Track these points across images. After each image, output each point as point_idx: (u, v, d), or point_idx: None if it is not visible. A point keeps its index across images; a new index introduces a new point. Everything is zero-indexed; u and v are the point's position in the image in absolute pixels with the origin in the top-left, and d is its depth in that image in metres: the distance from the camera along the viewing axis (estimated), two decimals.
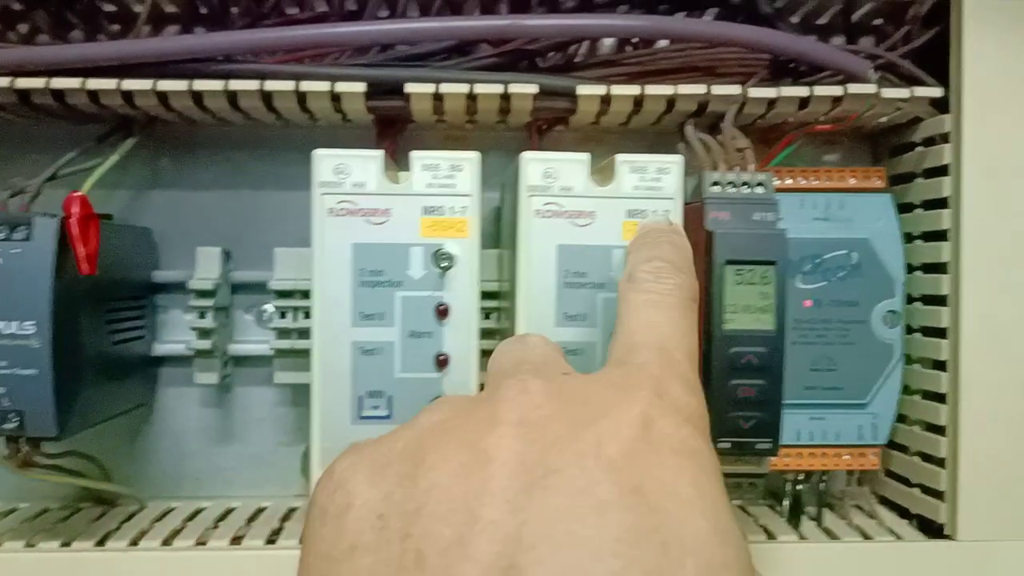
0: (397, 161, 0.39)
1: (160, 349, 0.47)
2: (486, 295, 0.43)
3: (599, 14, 0.43)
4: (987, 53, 0.41)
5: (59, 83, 0.39)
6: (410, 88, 0.40)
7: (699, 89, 0.40)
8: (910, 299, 0.44)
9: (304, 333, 0.44)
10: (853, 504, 0.46)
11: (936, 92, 0.41)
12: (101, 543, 0.41)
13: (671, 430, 0.22)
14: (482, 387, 0.31)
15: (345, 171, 0.34)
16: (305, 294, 0.43)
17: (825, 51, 0.41)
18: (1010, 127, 0.41)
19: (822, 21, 0.47)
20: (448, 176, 0.35)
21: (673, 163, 0.35)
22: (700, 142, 0.40)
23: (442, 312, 0.35)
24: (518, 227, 0.35)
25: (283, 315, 0.44)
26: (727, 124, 0.40)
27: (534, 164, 0.34)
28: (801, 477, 0.45)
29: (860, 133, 0.48)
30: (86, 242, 0.37)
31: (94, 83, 0.39)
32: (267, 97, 0.40)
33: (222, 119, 0.44)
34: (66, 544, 0.40)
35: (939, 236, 0.42)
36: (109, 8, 0.45)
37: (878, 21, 0.47)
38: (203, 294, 0.45)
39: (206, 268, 0.45)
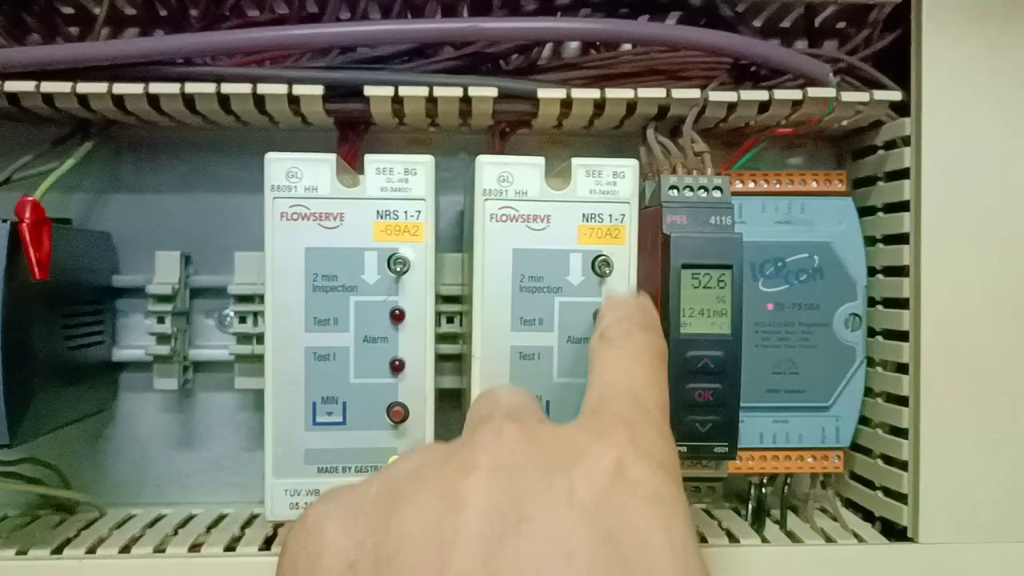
0: (359, 164, 0.39)
1: (120, 354, 0.46)
2: (451, 299, 0.43)
3: (560, 17, 0.43)
4: (945, 57, 0.41)
5: (13, 86, 0.38)
6: (369, 91, 0.39)
7: (659, 93, 0.40)
8: (872, 302, 0.44)
9: (264, 338, 0.43)
10: (817, 507, 0.46)
11: (895, 96, 0.41)
12: (58, 551, 0.40)
13: (645, 476, 0.22)
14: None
15: (297, 175, 0.34)
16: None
17: (785, 55, 0.41)
18: (968, 131, 0.41)
19: (785, 24, 0.47)
20: (402, 180, 0.34)
21: (628, 167, 0.35)
22: (660, 145, 0.40)
23: (397, 317, 0.35)
24: (474, 231, 0.35)
25: (243, 320, 0.44)
26: (687, 128, 0.40)
27: (489, 168, 0.34)
28: (765, 480, 0.45)
29: (823, 136, 0.49)
30: (38, 247, 0.36)
31: (48, 86, 0.38)
32: (224, 100, 0.39)
33: (181, 122, 0.43)
34: (22, 552, 0.40)
35: (900, 239, 0.42)
36: (67, 10, 0.44)
37: (840, 24, 0.47)
38: (162, 299, 0.44)
39: (165, 272, 0.45)
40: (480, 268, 0.34)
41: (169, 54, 0.39)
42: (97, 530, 0.43)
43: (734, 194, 0.42)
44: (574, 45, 0.47)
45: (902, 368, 0.42)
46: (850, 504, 0.47)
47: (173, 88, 0.39)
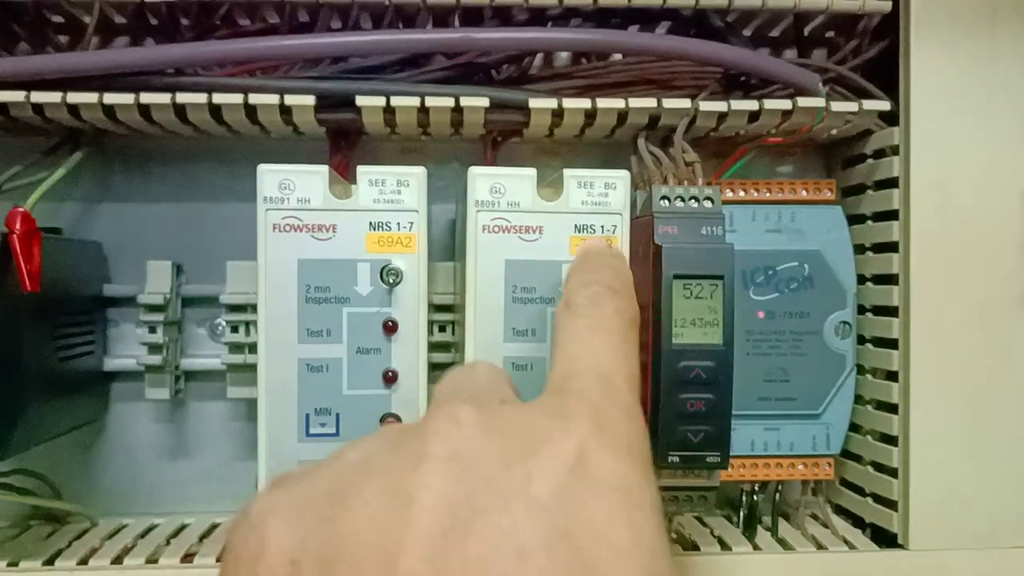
0: (351, 175, 0.39)
1: (111, 364, 0.46)
2: (443, 308, 0.43)
3: (551, 28, 0.43)
4: (934, 67, 0.41)
5: (3, 96, 0.38)
6: (361, 101, 0.39)
7: (650, 102, 0.40)
8: (862, 310, 0.45)
9: (256, 347, 0.43)
10: (808, 514, 0.46)
11: (884, 105, 0.41)
12: (50, 562, 0.40)
13: (609, 464, 0.21)
14: None
15: (290, 187, 0.34)
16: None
17: (775, 65, 0.41)
18: (957, 140, 0.41)
19: (774, 34, 0.47)
20: (395, 191, 0.34)
21: (619, 178, 0.35)
22: (651, 155, 0.41)
23: (390, 328, 0.35)
24: (466, 242, 0.35)
25: (235, 329, 0.44)
26: (677, 137, 0.40)
27: (481, 179, 0.34)
28: (757, 487, 0.46)
29: (812, 146, 0.49)
30: (29, 258, 0.36)
31: (38, 96, 0.38)
32: (216, 110, 0.39)
33: (172, 131, 0.43)
34: (13, 564, 0.40)
35: (889, 248, 0.43)
36: (57, 19, 0.44)
37: (830, 34, 0.47)
38: (154, 308, 0.44)
39: (157, 282, 0.45)
40: (472, 279, 0.35)
41: (160, 64, 0.39)
42: (89, 541, 0.43)
43: (724, 203, 0.42)
44: (565, 55, 0.47)
45: (892, 376, 0.43)
46: (840, 511, 0.47)
47: (164, 98, 0.38)
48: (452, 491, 0.20)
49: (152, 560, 0.41)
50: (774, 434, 0.44)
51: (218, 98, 0.39)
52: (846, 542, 0.43)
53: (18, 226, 0.36)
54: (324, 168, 0.34)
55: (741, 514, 0.46)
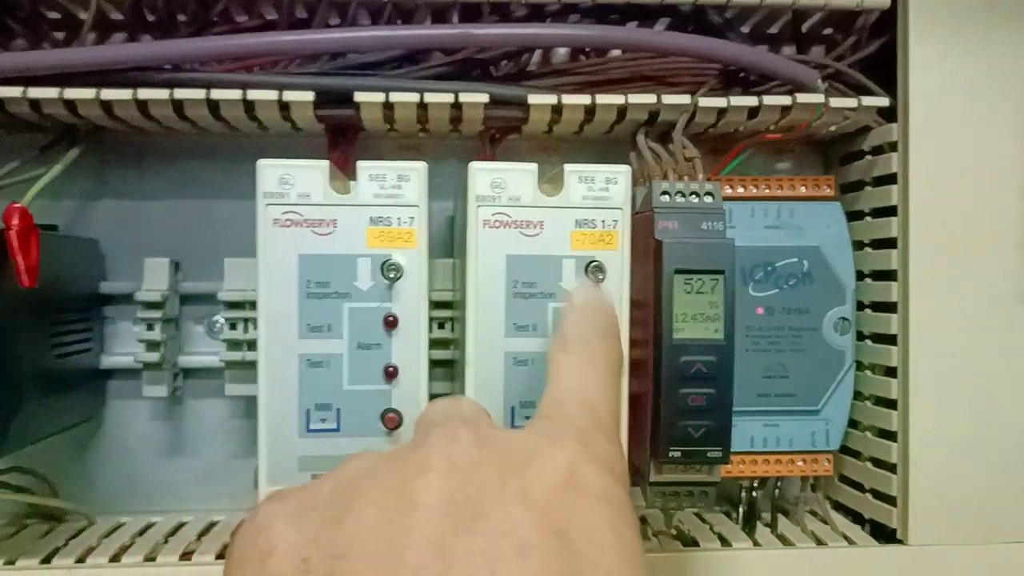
0: (350, 170, 0.39)
1: (108, 362, 0.46)
2: (441, 304, 0.43)
3: (550, 24, 0.43)
4: (932, 63, 0.41)
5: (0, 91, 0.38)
6: (360, 97, 0.39)
7: (649, 98, 0.40)
8: (860, 306, 0.45)
9: (255, 344, 0.42)
10: (807, 510, 0.46)
11: (883, 101, 0.41)
12: (47, 560, 0.40)
13: (595, 478, 0.23)
14: None
15: (290, 181, 0.34)
16: (256, 305, 0.42)
17: (774, 61, 0.41)
18: (956, 135, 0.41)
19: (772, 30, 0.47)
20: (395, 186, 0.34)
21: (621, 173, 0.35)
22: (651, 151, 0.41)
23: (390, 323, 0.34)
24: (467, 237, 0.35)
25: (233, 326, 0.44)
26: (677, 133, 0.40)
27: (482, 174, 0.34)
28: (756, 484, 0.46)
29: (811, 142, 0.49)
30: (26, 254, 0.36)
31: (35, 92, 0.38)
32: (214, 106, 0.39)
33: (169, 128, 0.43)
34: (10, 562, 0.39)
35: (888, 244, 0.43)
36: (53, 15, 0.44)
37: (828, 31, 0.48)
38: (151, 306, 0.44)
39: (154, 279, 0.45)
40: (473, 274, 0.34)
41: (158, 60, 0.39)
42: (86, 539, 0.43)
43: (723, 199, 0.42)
44: (563, 51, 0.47)
45: (891, 371, 0.43)
46: (839, 507, 0.47)
47: (162, 94, 0.38)
48: (454, 495, 0.22)
49: (150, 558, 0.40)
50: (773, 430, 0.44)
51: (217, 94, 0.38)
52: (845, 538, 0.43)
53: (15, 222, 0.36)
54: (324, 163, 0.34)
55: (740, 510, 0.46)
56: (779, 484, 0.46)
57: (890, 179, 0.42)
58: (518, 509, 0.21)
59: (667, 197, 0.36)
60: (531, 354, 0.34)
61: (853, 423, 0.45)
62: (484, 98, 0.40)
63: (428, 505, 0.21)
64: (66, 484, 0.46)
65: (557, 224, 0.35)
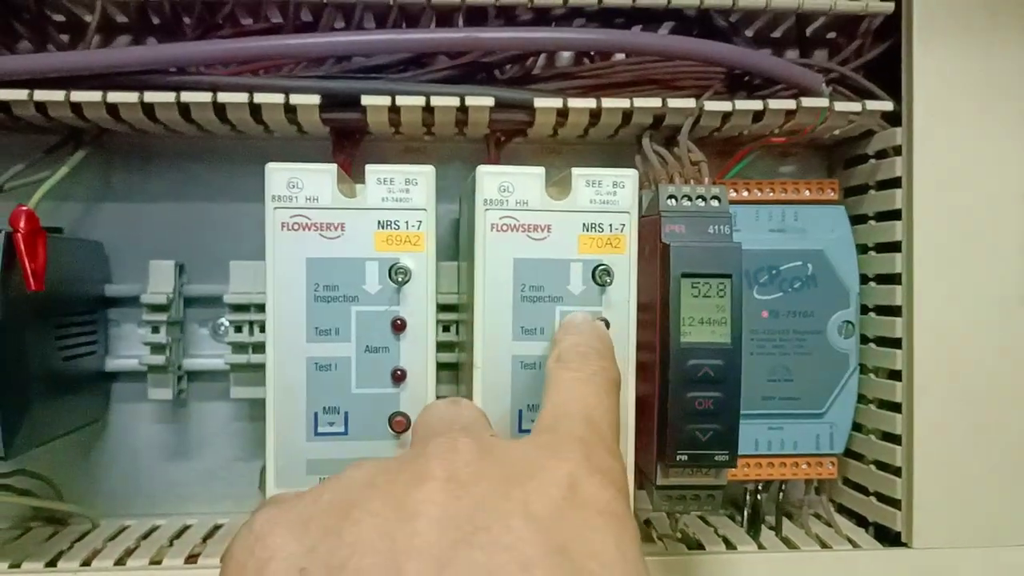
0: (355, 173, 0.39)
1: (113, 364, 0.46)
2: (446, 308, 0.43)
3: (555, 28, 0.43)
4: (937, 67, 0.41)
5: (5, 94, 0.38)
6: (366, 100, 0.39)
7: (655, 102, 0.40)
8: (864, 309, 0.45)
9: (260, 347, 0.43)
10: (811, 513, 0.46)
11: (887, 106, 0.41)
12: (52, 564, 0.40)
13: (597, 492, 0.23)
14: None
15: (298, 185, 0.34)
16: (261, 307, 0.43)
17: (779, 65, 0.41)
18: (960, 140, 0.41)
19: (776, 35, 0.48)
20: (403, 190, 0.34)
21: (628, 177, 0.35)
22: (656, 155, 0.41)
23: (398, 326, 0.34)
24: (474, 241, 0.35)
25: (239, 329, 0.44)
26: (683, 137, 0.40)
27: (490, 178, 0.34)
28: (760, 487, 0.46)
29: (814, 145, 0.49)
30: (33, 257, 0.36)
31: (41, 94, 0.38)
32: (220, 109, 0.39)
33: (175, 130, 0.43)
34: (15, 566, 0.39)
35: (892, 247, 0.43)
36: (58, 18, 0.44)
37: (831, 35, 0.48)
38: (156, 308, 0.44)
39: (159, 282, 0.45)
40: (481, 278, 0.34)
41: (164, 63, 0.39)
42: (91, 542, 0.43)
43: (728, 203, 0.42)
44: (567, 55, 0.48)
45: (895, 375, 0.43)
46: (843, 510, 0.47)
47: (168, 97, 0.38)
48: (455, 507, 0.21)
49: (156, 561, 0.40)
50: (778, 433, 0.44)
51: (223, 97, 0.38)
52: (850, 541, 0.43)
53: (23, 225, 0.36)
54: (333, 167, 0.34)
55: (745, 513, 0.46)
56: (783, 487, 0.46)
57: (894, 183, 0.43)
58: (520, 523, 0.21)
59: (674, 201, 0.36)
60: (538, 357, 0.34)
61: (857, 426, 0.45)
62: (490, 101, 0.40)
63: (428, 517, 0.21)
64: (70, 487, 0.46)
65: (564, 228, 0.35)
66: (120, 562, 0.40)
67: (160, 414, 0.47)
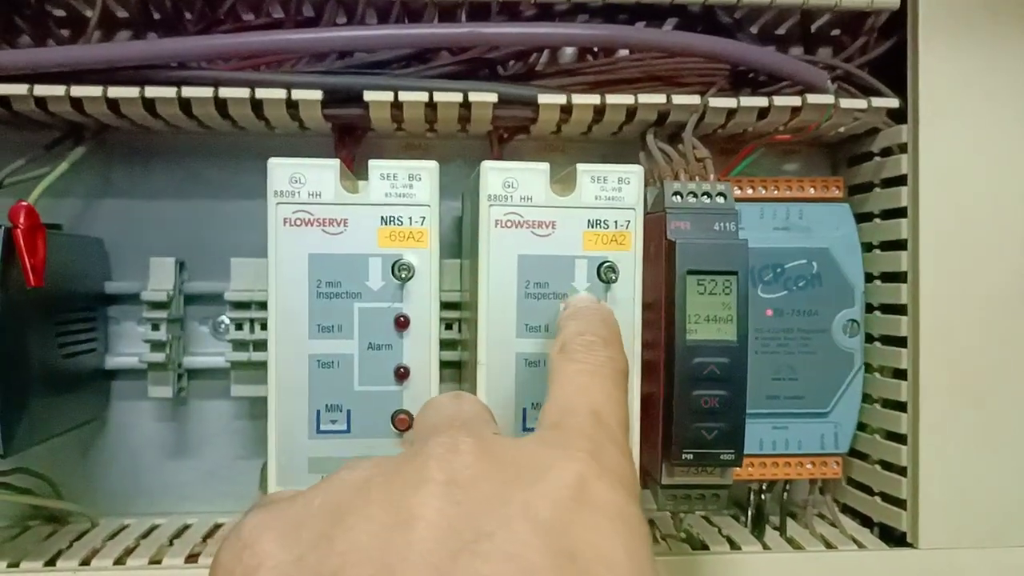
0: (357, 171, 0.39)
1: (113, 362, 0.46)
2: (448, 305, 0.43)
3: (559, 23, 0.42)
4: (942, 65, 0.41)
5: (5, 89, 0.38)
6: (369, 96, 0.39)
7: (659, 99, 0.40)
8: (869, 308, 0.45)
9: (261, 345, 0.43)
10: (816, 513, 0.46)
11: (892, 103, 0.41)
12: (51, 563, 0.40)
13: (606, 493, 0.22)
14: None
15: (301, 180, 0.33)
16: (262, 305, 0.42)
17: (784, 62, 0.41)
18: (965, 137, 0.41)
19: (780, 31, 0.47)
20: (406, 185, 0.34)
21: (633, 173, 0.35)
22: (661, 152, 0.40)
23: (401, 323, 0.34)
24: (478, 237, 0.34)
25: (239, 327, 0.43)
26: (687, 134, 0.40)
27: (494, 173, 0.34)
28: (764, 486, 0.45)
29: (819, 143, 0.49)
30: (33, 254, 0.36)
31: (42, 89, 0.38)
32: (221, 104, 0.39)
33: (176, 126, 0.43)
34: (14, 564, 0.39)
35: (897, 245, 0.42)
36: (59, 13, 0.44)
37: (836, 32, 0.47)
38: (157, 305, 0.44)
39: (160, 279, 0.44)
40: (485, 274, 0.34)
41: (165, 57, 0.39)
42: (90, 541, 0.42)
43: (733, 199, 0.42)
44: (570, 51, 0.47)
45: (900, 374, 0.42)
46: (848, 510, 0.47)
47: (170, 92, 0.38)
48: (454, 512, 0.20)
49: (156, 561, 0.40)
50: (782, 433, 0.44)
51: (224, 92, 0.38)
52: (855, 541, 0.43)
53: (22, 220, 0.35)
54: (335, 162, 0.34)
55: (749, 513, 0.45)
56: (787, 487, 0.46)
57: (899, 180, 0.42)
58: (524, 528, 0.20)
59: (679, 198, 0.36)
60: (543, 355, 0.34)
61: (862, 426, 0.45)
62: (493, 97, 0.40)
63: (426, 522, 0.20)
64: (69, 485, 0.46)
65: (569, 224, 0.34)
66: (120, 561, 0.40)
67: (160, 412, 0.47)
